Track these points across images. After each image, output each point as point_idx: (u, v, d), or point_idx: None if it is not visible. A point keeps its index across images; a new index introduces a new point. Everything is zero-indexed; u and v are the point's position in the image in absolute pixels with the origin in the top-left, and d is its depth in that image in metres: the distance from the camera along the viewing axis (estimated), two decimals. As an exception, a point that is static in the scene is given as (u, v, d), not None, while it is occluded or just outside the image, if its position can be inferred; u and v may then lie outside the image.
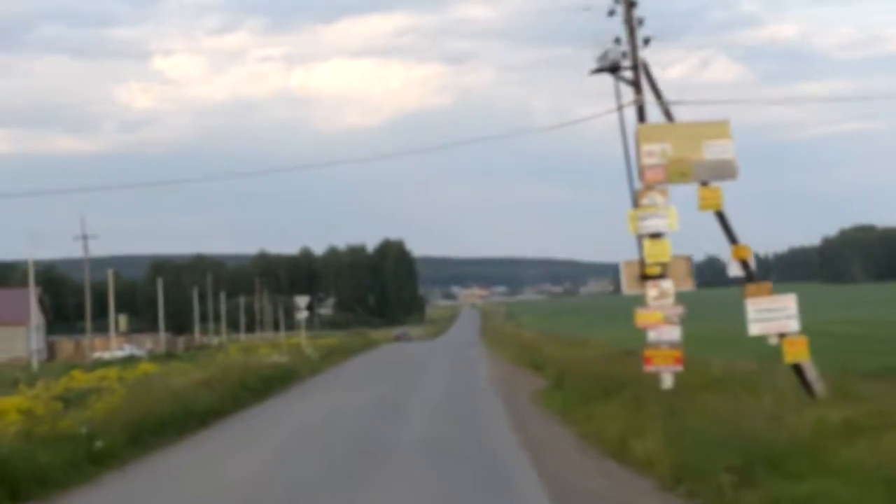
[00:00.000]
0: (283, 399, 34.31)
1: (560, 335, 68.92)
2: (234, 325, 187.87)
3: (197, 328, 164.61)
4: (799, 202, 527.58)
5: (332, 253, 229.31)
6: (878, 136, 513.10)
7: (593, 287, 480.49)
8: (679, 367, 22.26)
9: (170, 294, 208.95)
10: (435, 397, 31.50)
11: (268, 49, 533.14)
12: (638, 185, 22.95)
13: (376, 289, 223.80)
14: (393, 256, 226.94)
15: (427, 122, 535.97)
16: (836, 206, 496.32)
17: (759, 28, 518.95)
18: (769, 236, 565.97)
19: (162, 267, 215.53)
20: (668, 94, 23.79)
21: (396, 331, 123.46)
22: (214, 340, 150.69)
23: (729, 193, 23.04)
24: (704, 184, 22.63)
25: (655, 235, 22.68)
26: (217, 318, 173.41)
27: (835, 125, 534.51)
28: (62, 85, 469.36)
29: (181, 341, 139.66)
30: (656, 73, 23.91)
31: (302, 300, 71.40)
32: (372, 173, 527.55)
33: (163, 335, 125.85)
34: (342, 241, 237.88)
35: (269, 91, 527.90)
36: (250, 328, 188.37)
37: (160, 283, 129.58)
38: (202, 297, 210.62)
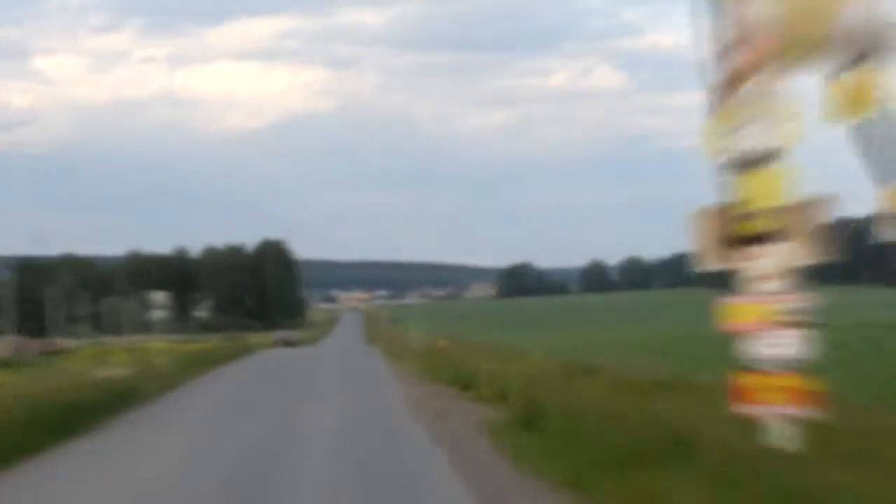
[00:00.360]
0: (62, 458, 19.42)
1: (478, 342, 57.75)
2: (104, 329, 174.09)
3: (54, 331, 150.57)
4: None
5: (210, 253, 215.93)
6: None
7: (476, 291, 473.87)
8: (813, 410, 11.70)
9: (34, 295, 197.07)
10: (340, 445, 19.51)
11: (151, 50, 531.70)
12: (717, 75, 12.36)
13: (255, 290, 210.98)
14: (273, 257, 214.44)
15: (311, 125, 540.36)
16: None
17: (639, 36, 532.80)
18: (650, 242, 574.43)
19: (29, 267, 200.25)
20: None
21: (277, 334, 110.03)
22: (74, 344, 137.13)
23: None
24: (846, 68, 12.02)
25: (758, 161, 12.11)
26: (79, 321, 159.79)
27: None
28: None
29: (36, 345, 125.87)
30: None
31: (157, 296, 58.52)
32: (254, 175, 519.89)
33: (10, 339, 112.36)
34: (223, 242, 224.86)
35: (152, 92, 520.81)
36: (116, 331, 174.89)
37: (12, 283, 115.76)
38: (68, 299, 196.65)
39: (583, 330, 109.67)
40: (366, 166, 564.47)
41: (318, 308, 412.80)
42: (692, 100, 12.08)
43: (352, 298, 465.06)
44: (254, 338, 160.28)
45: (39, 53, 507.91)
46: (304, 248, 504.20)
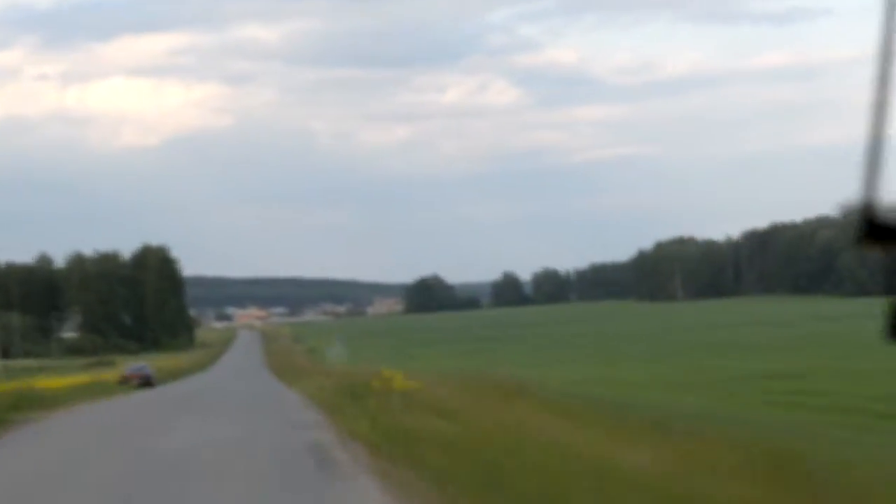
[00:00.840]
0: None
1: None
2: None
3: None
4: (584, 222, 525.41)
5: (77, 260, 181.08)
6: (655, 159, 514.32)
7: (380, 307, 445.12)
8: None
9: None
10: None
11: (43, 66, 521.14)
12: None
13: (133, 305, 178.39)
14: (154, 266, 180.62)
15: (207, 142, 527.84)
16: (627, 225, 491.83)
17: (537, 53, 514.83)
18: (561, 255, 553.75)
19: None
20: None
21: (131, 367, 71.64)
22: None
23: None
24: None
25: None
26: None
27: (609, 149, 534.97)
28: None
29: None
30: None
31: None
32: (147, 193, 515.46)
33: None
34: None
35: (45, 109, 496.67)
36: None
37: None
38: None
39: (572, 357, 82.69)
40: (263, 183, 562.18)
41: (210, 327, 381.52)
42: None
43: (247, 315, 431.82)
44: (125, 363, 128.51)
45: None
46: (196, 265, 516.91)
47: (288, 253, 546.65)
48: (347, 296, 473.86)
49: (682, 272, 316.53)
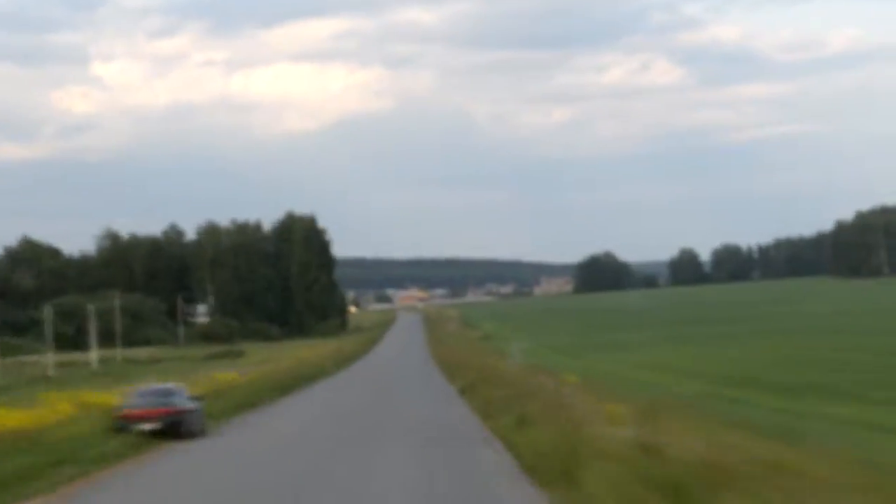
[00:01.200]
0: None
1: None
2: (63, 340, 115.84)
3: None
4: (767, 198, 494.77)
5: (210, 232, 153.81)
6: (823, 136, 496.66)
7: (548, 286, 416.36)
8: None
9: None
10: None
11: (209, 53, 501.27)
12: None
13: (275, 284, 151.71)
14: (300, 238, 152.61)
15: (365, 126, 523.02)
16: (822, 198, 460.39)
17: (699, 31, 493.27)
18: (739, 231, 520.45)
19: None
20: None
21: (139, 393, 38.78)
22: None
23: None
24: None
25: None
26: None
27: (775, 127, 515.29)
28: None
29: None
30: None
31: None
32: (309, 177, 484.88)
33: None
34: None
35: (210, 95, 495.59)
36: (77, 345, 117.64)
37: None
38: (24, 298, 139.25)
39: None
40: (421, 165, 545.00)
41: (368, 309, 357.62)
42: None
43: (408, 297, 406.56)
44: (261, 353, 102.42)
45: (98, 59, 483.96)
46: (356, 247, 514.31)
47: (447, 234, 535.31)
48: (510, 276, 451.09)
49: (890, 245, 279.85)
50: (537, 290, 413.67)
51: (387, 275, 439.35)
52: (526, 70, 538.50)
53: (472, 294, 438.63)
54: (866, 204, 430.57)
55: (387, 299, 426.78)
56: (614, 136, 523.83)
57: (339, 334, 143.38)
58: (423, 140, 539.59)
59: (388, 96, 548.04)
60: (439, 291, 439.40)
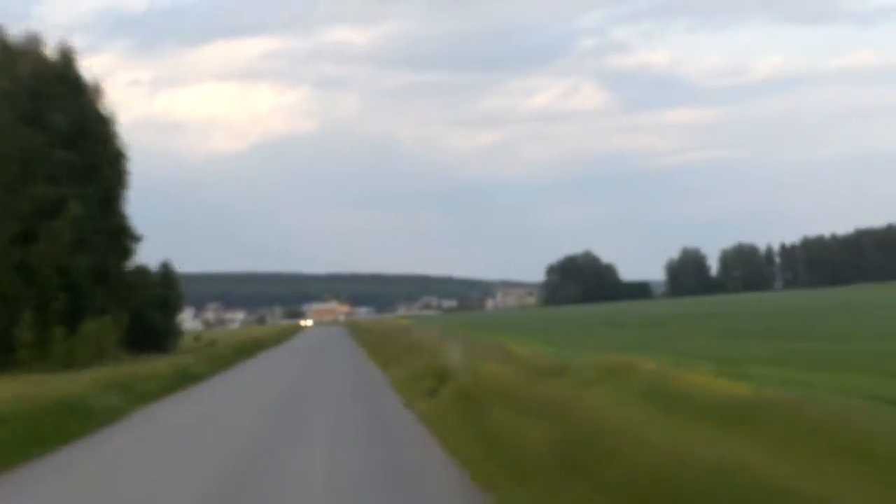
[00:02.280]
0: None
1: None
2: None
3: None
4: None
5: None
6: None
7: (505, 299, 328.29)
8: None
9: None
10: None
11: (135, 72, 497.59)
12: None
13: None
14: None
15: (293, 146, 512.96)
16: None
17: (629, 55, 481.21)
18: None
19: None
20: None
21: None
22: None
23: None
24: None
25: None
26: None
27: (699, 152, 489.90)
28: None
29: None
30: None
31: None
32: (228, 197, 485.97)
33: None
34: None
35: (134, 115, 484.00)
36: None
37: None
38: None
39: None
40: (345, 187, 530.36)
41: (272, 324, 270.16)
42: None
43: (325, 311, 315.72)
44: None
45: None
46: (273, 262, 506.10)
47: (371, 252, 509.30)
48: (444, 291, 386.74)
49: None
50: (490, 304, 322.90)
51: (303, 291, 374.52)
52: (455, 92, 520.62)
53: (403, 309, 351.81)
54: (788, 232, 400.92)
55: (298, 315, 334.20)
56: (539, 160, 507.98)
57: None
58: (349, 161, 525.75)
59: (316, 117, 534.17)
60: (363, 309, 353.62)
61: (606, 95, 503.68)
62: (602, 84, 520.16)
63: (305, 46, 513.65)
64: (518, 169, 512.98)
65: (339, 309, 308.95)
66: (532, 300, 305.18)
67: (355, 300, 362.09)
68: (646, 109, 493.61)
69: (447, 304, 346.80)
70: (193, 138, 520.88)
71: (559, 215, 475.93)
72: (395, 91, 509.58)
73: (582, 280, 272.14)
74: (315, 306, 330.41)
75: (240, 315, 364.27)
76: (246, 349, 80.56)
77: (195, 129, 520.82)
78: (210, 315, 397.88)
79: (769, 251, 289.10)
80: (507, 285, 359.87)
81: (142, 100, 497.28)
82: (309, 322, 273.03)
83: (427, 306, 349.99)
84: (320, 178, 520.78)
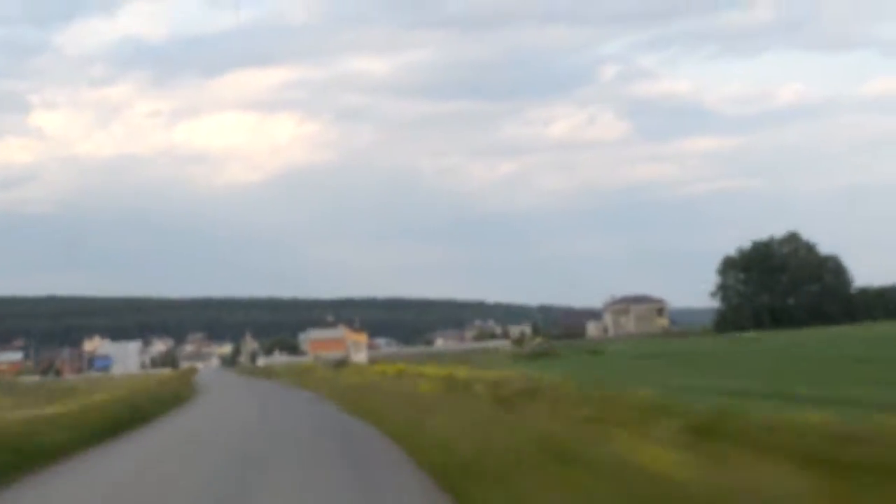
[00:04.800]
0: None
1: None
2: None
3: None
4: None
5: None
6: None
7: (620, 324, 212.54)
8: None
9: None
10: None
11: (154, 102, 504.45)
12: None
13: None
14: None
15: (309, 177, 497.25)
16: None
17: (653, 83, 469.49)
18: None
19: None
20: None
21: None
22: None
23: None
24: None
25: None
26: None
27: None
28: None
29: None
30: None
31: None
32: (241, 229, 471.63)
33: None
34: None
35: (152, 146, 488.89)
36: None
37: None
38: None
39: None
40: (365, 218, 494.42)
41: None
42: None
43: (331, 342, 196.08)
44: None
45: (40, 108, 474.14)
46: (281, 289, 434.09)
47: (390, 278, 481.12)
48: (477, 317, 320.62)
49: None
50: (592, 329, 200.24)
51: (306, 318, 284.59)
52: (475, 122, 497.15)
53: (441, 341, 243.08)
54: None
55: (291, 348, 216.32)
56: (557, 189, 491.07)
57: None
58: (368, 192, 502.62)
59: (335, 147, 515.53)
60: (381, 340, 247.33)
61: (626, 125, 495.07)
62: (622, 113, 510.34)
63: (326, 76, 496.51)
64: (540, 198, 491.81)
65: (353, 337, 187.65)
66: (663, 322, 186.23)
67: (372, 330, 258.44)
68: (666, 139, 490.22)
69: (515, 330, 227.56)
70: (211, 170, 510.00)
71: (569, 246, 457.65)
72: (415, 120, 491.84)
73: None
74: (315, 334, 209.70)
75: (225, 349, 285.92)
76: None
77: (213, 160, 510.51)
78: (190, 348, 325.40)
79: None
80: (545, 310, 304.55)
81: (161, 131, 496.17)
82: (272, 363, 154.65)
83: (483, 335, 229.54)
84: (339, 209, 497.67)
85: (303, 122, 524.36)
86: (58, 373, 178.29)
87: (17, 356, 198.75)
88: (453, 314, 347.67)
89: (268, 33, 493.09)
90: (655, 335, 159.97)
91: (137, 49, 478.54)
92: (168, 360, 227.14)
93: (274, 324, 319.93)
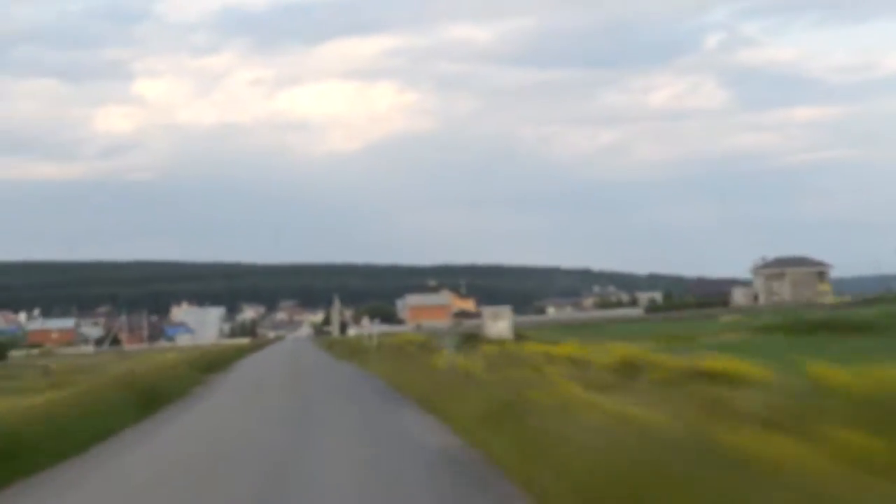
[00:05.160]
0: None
1: None
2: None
3: None
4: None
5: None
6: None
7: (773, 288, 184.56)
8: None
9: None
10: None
11: (255, 70, 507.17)
12: None
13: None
14: None
15: (409, 146, 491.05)
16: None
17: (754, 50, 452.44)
18: None
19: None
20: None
21: None
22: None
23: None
24: None
25: None
26: None
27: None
28: (40, 108, 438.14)
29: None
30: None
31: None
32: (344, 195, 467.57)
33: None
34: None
35: (253, 114, 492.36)
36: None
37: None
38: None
39: None
40: (463, 186, 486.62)
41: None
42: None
43: (433, 308, 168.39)
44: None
45: (142, 76, 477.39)
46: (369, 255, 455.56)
47: (486, 246, 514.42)
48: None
49: None
50: (740, 297, 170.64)
51: (403, 285, 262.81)
52: (575, 90, 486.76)
53: (553, 309, 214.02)
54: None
55: (388, 316, 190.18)
56: (656, 160, 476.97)
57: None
58: (466, 161, 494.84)
59: (434, 116, 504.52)
60: (489, 309, 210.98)
61: (727, 93, 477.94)
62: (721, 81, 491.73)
63: (426, 44, 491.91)
64: (640, 167, 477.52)
65: (458, 303, 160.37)
66: (825, 288, 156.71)
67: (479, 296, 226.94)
68: (768, 107, 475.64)
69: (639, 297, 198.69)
70: (311, 138, 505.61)
71: (668, 216, 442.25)
72: (515, 89, 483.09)
73: None
74: (415, 300, 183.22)
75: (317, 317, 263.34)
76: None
77: (314, 129, 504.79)
78: (281, 315, 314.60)
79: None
80: (654, 278, 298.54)
81: (261, 99, 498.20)
82: (355, 331, 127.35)
83: (605, 303, 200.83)
84: (438, 178, 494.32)
85: (402, 90, 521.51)
86: (115, 342, 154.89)
87: (68, 323, 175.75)
88: (558, 282, 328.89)
89: (369, 1, 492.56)
90: (831, 305, 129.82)
91: (239, 17, 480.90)
92: (249, 328, 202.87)
93: (370, 292, 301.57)
